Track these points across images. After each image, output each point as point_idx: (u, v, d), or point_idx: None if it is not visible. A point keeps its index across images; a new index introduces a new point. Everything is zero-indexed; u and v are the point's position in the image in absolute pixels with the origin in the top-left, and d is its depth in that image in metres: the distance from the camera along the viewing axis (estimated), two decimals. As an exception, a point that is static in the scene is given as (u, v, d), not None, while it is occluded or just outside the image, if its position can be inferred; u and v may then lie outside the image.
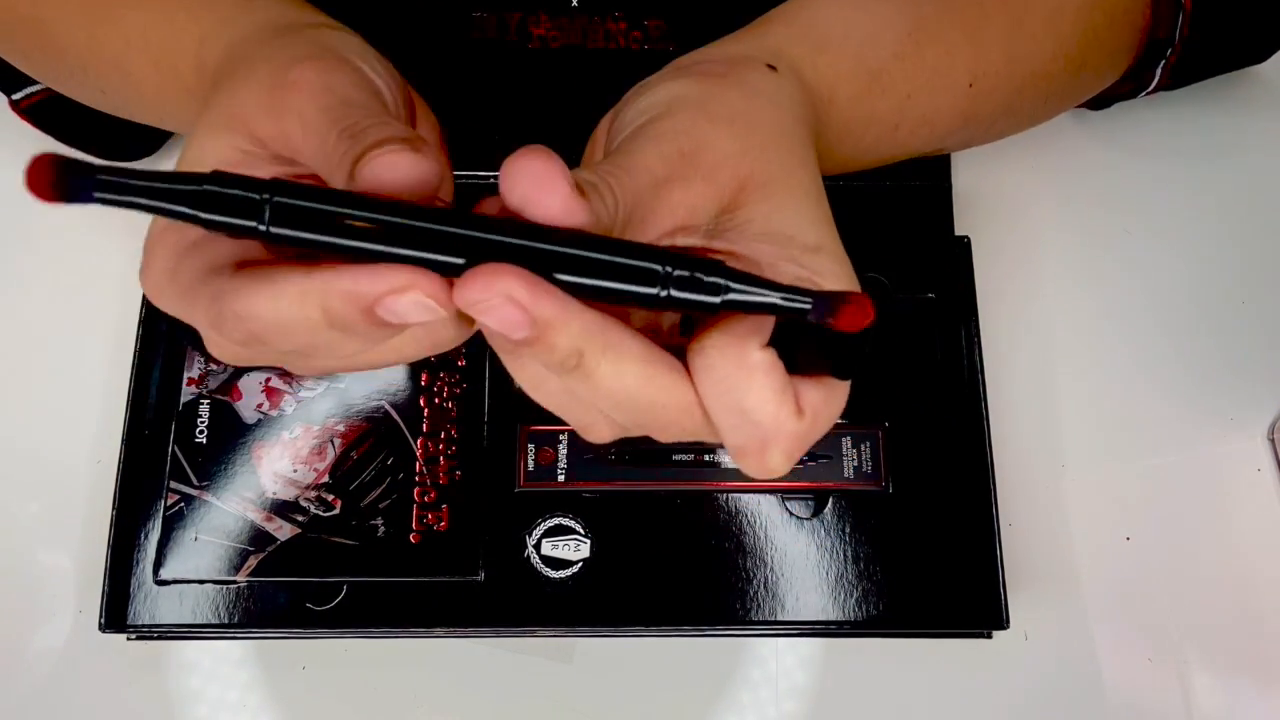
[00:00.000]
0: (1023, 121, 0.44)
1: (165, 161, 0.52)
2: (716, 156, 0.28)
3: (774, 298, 0.25)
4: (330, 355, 0.27)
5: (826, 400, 0.27)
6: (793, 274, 0.28)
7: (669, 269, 0.24)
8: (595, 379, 0.25)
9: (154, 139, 0.51)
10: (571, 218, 0.24)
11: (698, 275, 0.24)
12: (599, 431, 0.29)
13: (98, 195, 0.22)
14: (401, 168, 0.25)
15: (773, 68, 0.33)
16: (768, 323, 0.26)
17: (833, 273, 0.28)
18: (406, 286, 0.23)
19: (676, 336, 0.29)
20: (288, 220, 0.23)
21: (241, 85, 0.30)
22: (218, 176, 0.23)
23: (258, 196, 0.23)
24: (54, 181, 0.22)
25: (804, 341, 0.27)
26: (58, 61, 0.41)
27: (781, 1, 0.37)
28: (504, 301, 0.23)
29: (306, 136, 0.28)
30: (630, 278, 0.24)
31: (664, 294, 0.24)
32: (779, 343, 0.26)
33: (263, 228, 0.23)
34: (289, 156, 0.29)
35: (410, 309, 0.24)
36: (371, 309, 0.24)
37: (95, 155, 0.50)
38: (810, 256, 0.28)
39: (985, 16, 0.38)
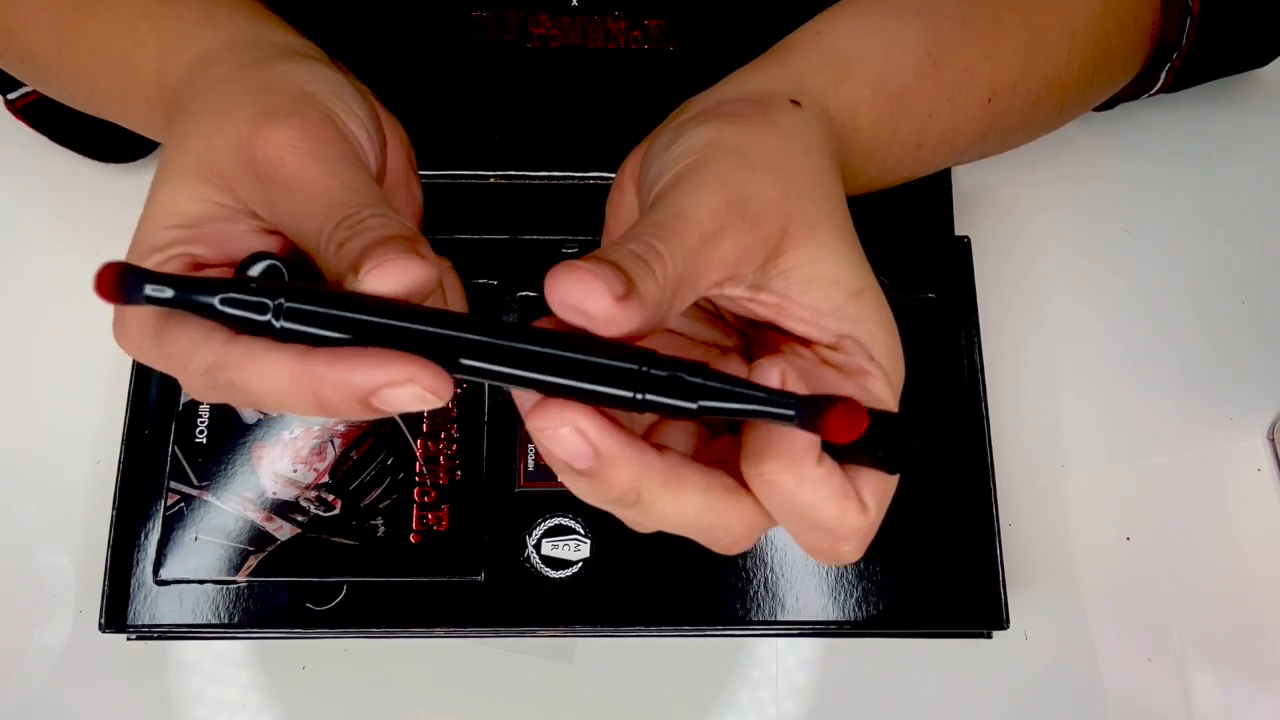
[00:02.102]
0: (1038, 131, 0.44)
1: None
2: (760, 205, 0.28)
3: (754, 405, 0.25)
4: (306, 413, 0.28)
5: (884, 485, 0.28)
6: (837, 330, 0.28)
7: (646, 369, 0.25)
8: (654, 513, 0.26)
9: (144, 143, 0.51)
10: (620, 327, 0.25)
11: (678, 375, 0.25)
12: (645, 529, 0.30)
13: (147, 294, 0.25)
14: (410, 274, 0.25)
15: (797, 103, 0.32)
16: (816, 438, 0.26)
17: (876, 319, 0.29)
18: (406, 380, 0.25)
19: (714, 440, 0.30)
20: (299, 320, 0.25)
21: (214, 135, 0.29)
22: (240, 284, 0.25)
23: (270, 301, 0.25)
24: (115, 283, 0.25)
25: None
26: (32, 68, 0.41)
27: (786, 14, 0.36)
28: (571, 432, 0.25)
29: (295, 213, 0.28)
30: (606, 379, 0.25)
31: (640, 397, 0.25)
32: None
33: (277, 324, 0.25)
34: (268, 220, 0.29)
35: (406, 400, 0.25)
36: (366, 399, 0.25)
37: (86, 156, 0.50)
38: (854, 304, 0.28)
39: (1002, 32, 0.38)
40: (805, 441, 0.26)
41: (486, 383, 0.30)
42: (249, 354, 0.26)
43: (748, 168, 0.29)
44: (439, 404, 0.25)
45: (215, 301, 0.25)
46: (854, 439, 0.24)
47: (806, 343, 0.29)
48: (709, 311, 0.33)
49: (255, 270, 0.28)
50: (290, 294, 0.25)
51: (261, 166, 0.28)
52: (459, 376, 0.25)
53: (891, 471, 0.27)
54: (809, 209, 0.29)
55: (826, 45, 0.35)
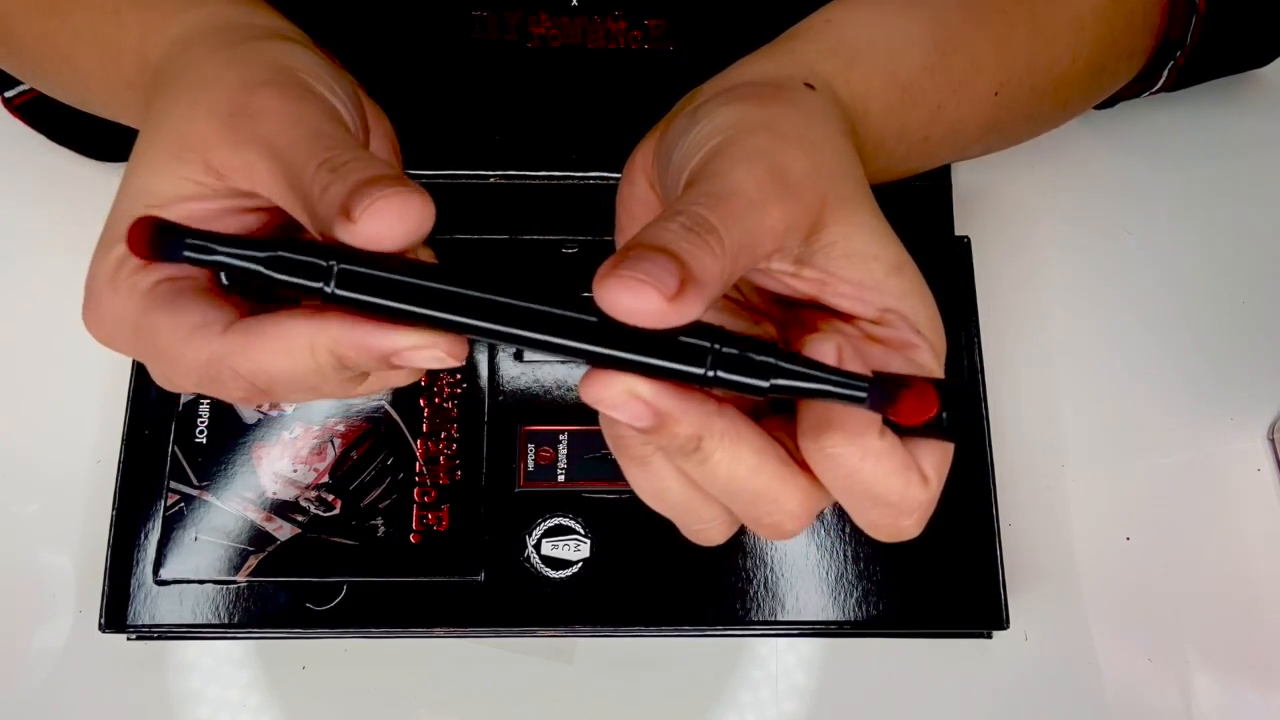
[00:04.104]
0: (1041, 126, 0.44)
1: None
2: (799, 176, 0.28)
3: (827, 385, 0.24)
4: (309, 393, 0.28)
5: (944, 456, 0.28)
6: (880, 304, 0.28)
7: (718, 346, 0.24)
8: (712, 464, 0.26)
9: None
10: (681, 320, 0.24)
11: (748, 355, 0.24)
12: (712, 534, 0.30)
13: (186, 255, 0.24)
14: (411, 209, 0.24)
15: (811, 87, 0.32)
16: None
17: (917, 293, 0.28)
18: (429, 345, 0.25)
19: (772, 413, 0.29)
20: (352, 285, 0.24)
21: (194, 110, 0.28)
22: (290, 243, 0.24)
23: (324, 263, 0.24)
24: (150, 240, 0.24)
25: None
26: (19, 59, 0.41)
27: (786, 13, 0.36)
28: (628, 398, 0.25)
29: (275, 169, 0.27)
30: (676, 355, 0.24)
31: (711, 374, 0.24)
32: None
33: (328, 289, 0.24)
34: (247, 190, 0.28)
35: (428, 360, 0.25)
36: (388, 358, 0.25)
37: (84, 155, 0.50)
38: (895, 278, 0.28)
39: (1009, 25, 0.38)
40: (868, 414, 0.25)
41: (552, 355, 0.29)
42: (256, 334, 0.25)
43: (781, 142, 0.28)
44: (456, 364, 0.26)
45: (262, 266, 0.24)
46: (924, 421, 0.24)
47: (848, 318, 0.29)
48: (736, 301, 0.32)
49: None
50: (344, 256, 0.24)
51: (240, 132, 0.27)
52: (522, 349, 0.25)
53: (953, 439, 0.27)
54: (841, 185, 0.29)
55: (835, 34, 0.35)
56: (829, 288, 0.28)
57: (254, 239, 0.25)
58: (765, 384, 0.24)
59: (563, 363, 0.45)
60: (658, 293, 0.23)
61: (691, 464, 0.26)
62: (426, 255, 0.29)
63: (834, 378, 0.24)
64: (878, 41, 0.35)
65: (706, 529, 0.29)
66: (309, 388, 0.27)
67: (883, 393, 0.24)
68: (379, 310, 0.24)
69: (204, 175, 0.28)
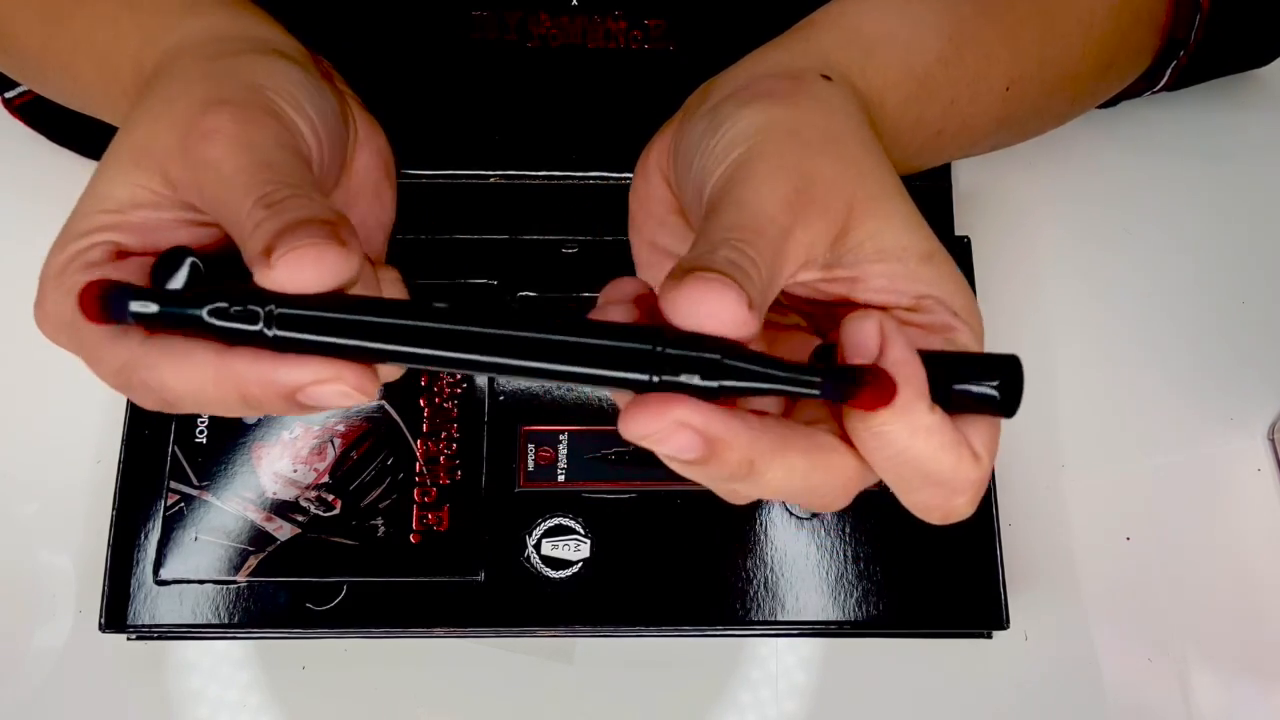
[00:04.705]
0: (1051, 122, 0.44)
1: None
2: (825, 187, 0.28)
3: (778, 384, 0.24)
4: (225, 412, 0.27)
5: (993, 434, 0.27)
6: (914, 292, 0.28)
7: (660, 349, 0.23)
8: (765, 480, 0.25)
9: None
10: (749, 334, 0.24)
11: (694, 355, 0.24)
12: (751, 498, 0.28)
13: (133, 311, 0.25)
14: (325, 263, 0.24)
15: (828, 78, 0.32)
16: (924, 385, 0.25)
17: (950, 277, 0.28)
18: (332, 379, 0.24)
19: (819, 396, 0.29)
20: (293, 327, 0.24)
21: (157, 121, 0.29)
22: (227, 294, 0.25)
23: (261, 310, 0.24)
24: (99, 303, 0.25)
25: (959, 382, 0.26)
26: (19, 64, 0.41)
27: (786, 13, 0.36)
28: (677, 428, 0.23)
29: (220, 195, 0.27)
30: (618, 362, 0.24)
31: (655, 379, 0.24)
32: (934, 386, 0.25)
33: (269, 333, 0.24)
34: (199, 206, 0.28)
35: (332, 397, 0.25)
36: (293, 395, 0.25)
37: (85, 156, 0.50)
38: (926, 267, 0.28)
39: (1020, 20, 0.38)
40: (914, 389, 0.25)
41: (496, 376, 0.29)
42: (166, 354, 0.25)
43: (805, 149, 0.28)
44: (367, 401, 0.25)
45: (203, 314, 0.24)
46: (884, 407, 0.23)
47: (881, 309, 0.28)
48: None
49: (181, 272, 0.27)
50: (280, 300, 0.24)
51: (191, 148, 0.28)
52: (469, 372, 0.25)
53: (1008, 414, 0.26)
54: (869, 182, 0.29)
55: (850, 25, 0.35)
56: (860, 284, 0.28)
57: (194, 293, 0.25)
58: (714, 385, 0.24)
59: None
60: (741, 300, 0.23)
61: (746, 485, 0.26)
62: (396, 291, 0.30)
63: (784, 374, 0.24)
64: (894, 32, 0.35)
65: (746, 499, 0.29)
66: (221, 410, 0.26)
67: (837, 385, 0.23)
68: (319, 349, 0.24)
69: (161, 186, 0.28)
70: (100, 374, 0.27)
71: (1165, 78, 0.46)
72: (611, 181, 0.47)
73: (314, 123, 0.30)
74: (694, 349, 0.24)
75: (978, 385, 0.26)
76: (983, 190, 0.52)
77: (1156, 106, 0.52)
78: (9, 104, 0.48)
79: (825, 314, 0.30)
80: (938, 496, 0.26)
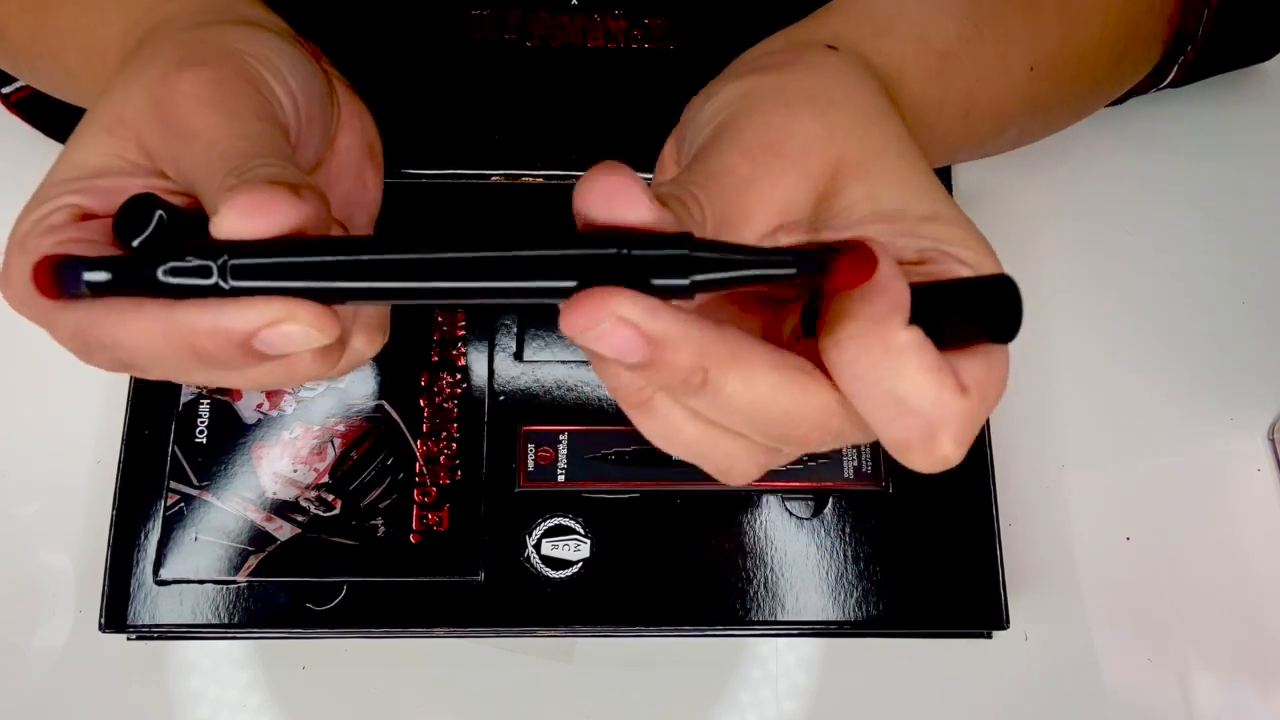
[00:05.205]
0: (1070, 114, 0.43)
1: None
2: (803, 142, 0.27)
3: (750, 269, 0.22)
4: (186, 375, 0.26)
5: (989, 370, 0.24)
6: (916, 247, 0.26)
7: (626, 251, 0.22)
8: (724, 395, 0.23)
9: None
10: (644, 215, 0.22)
11: (661, 253, 0.22)
12: (744, 467, 0.26)
13: (87, 282, 0.24)
14: (274, 210, 0.23)
15: (833, 49, 0.31)
16: (903, 297, 0.23)
17: (958, 237, 0.27)
18: (285, 318, 0.23)
19: (798, 342, 0.26)
20: (247, 276, 0.23)
21: (130, 86, 0.28)
22: (180, 250, 0.23)
23: (214, 263, 0.23)
24: (53, 278, 0.24)
25: (948, 311, 0.24)
26: (11, 57, 0.41)
27: (786, 13, 0.36)
28: (616, 324, 0.21)
29: (194, 164, 0.26)
30: (582, 271, 0.22)
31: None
32: (920, 319, 0.23)
33: (226, 285, 0.23)
34: (172, 176, 0.28)
35: (290, 338, 0.23)
36: (247, 344, 0.23)
37: None
38: (928, 227, 0.26)
39: (1038, 1, 0.38)
40: (891, 301, 0.23)
41: (462, 304, 0.28)
42: (116, 312, 0.24)
43: (786, 107, 0.27)
44: (326, 340, 0.23)
45: (158, 274, 0.23)
46: (866, 281, 0.22)
47: None
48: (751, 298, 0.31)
49: (146, 224, 0.25)
50: (234, 249, 0.23)
51: (166, 113, 0.27)
52: (434, 302, 0.24)
53: (1005, 338, 0.24)
54: (861, 142, 0.27)
55: (864, 6, 0.35)
56: None
57: (148, 254, 0.24)
58: (685, 282, 0.22)
59: (563, 363, 0.45)
60: (643, 193, 0.22)
61: (703, 401, 0.23)
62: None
63: (755, 257, 0.22)
64: (909, 11, 0.35)
65: (734, 466, 0.26)
66: (177, 370, 0.25)
67: (812, 262, 0.22)
68: (286, 294, 0.23)
69: (136, 155, 0.28)
70: (59, 340, 0.26)
71: (1173, 73, 0.46)
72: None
73: (294, 92, 0.30)
74: (662, 247, 0.22)
75: (968, 310, 0.24)
76: (983, 190, 0.52)
77: (1156, 105, 0.52)
78: (6, 100, 0.48)
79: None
80: (917, 429, 0.24)
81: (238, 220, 0.23)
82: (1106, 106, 0.50)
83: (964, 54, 0.35)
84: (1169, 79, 0.47)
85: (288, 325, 0.23)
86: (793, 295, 0.28)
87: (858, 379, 0.23)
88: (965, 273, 0.26)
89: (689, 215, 0.24)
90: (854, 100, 0.29)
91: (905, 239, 0.27)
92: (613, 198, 0.22)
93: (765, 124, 0.27)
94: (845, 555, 0.43)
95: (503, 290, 0.22)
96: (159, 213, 0.25)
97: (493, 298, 0.23)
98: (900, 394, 0.23)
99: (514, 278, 0.22)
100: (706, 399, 0.23)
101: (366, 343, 0.30)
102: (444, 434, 0.44)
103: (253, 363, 0.24)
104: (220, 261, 0.23)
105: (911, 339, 0.23)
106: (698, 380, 0.23)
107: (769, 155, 0.26)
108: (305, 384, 0.30)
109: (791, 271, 0.22)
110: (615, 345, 0.22)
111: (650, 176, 0.34)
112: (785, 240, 0.27)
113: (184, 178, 0.27)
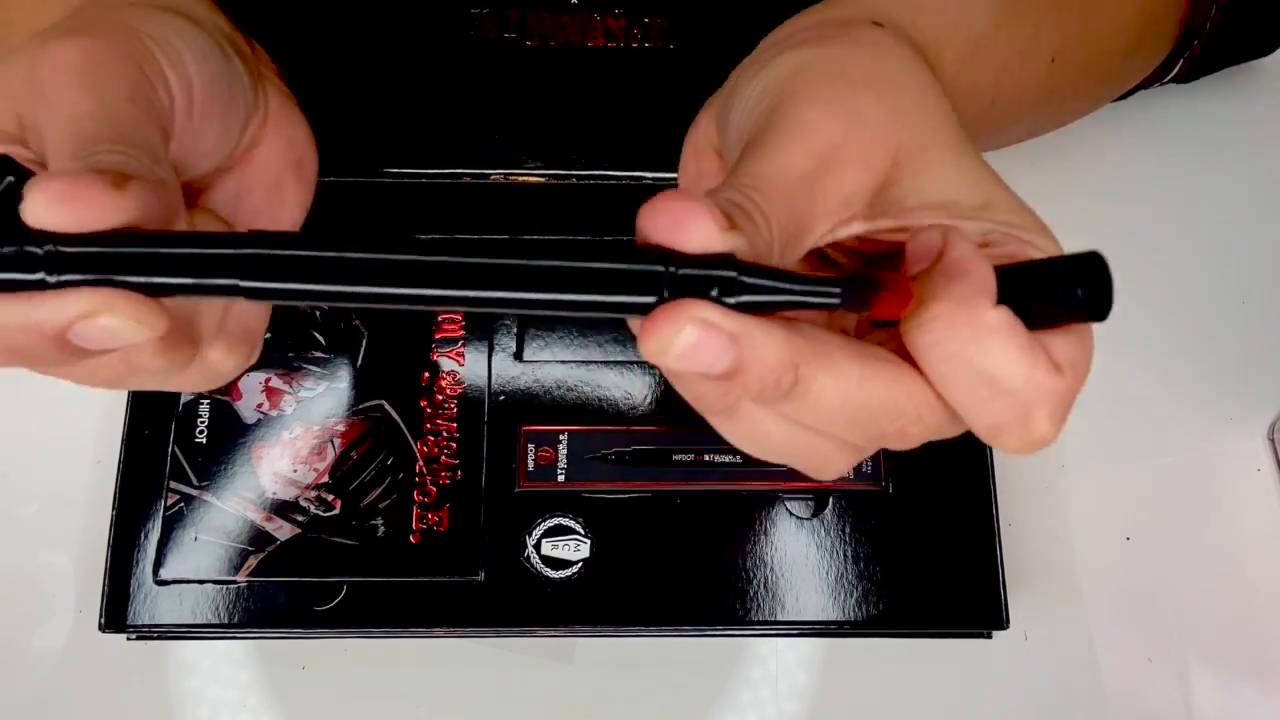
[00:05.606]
0: (1083, 105, 0.43)
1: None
2: (868, 131, 0.25)
3: (797, 296, 0.22)
4: (45, 372, 0.25)
5: (1080, 348, 0.24)
6: (978, 230, 0.25)
7: (672, 269, 0.21)
8: (814, 395, 0.22)
9: None
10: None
11: (708, 273, 0.21)
12: (835, 464, 0.26)
13: None
14: (81, 204, 0.21)
15: (879, 25, 0.30)
16: (988, 278, 0.23)
17: (1010, 217, 0.26)
18: (101, 310, 0.21)
19: (866, 335, 0.26)
20: (74, 268, 0.21)
21: (18, 57, 0.26)
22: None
23: (39, 250, 0.21)
24: None
25: (1033, 291, 0.23)
26: None
27: (787, 12, 0.36)
28: (703, 329, 0.20)
29: (49, 136, 0.24)
30: (622, 285, 0.21)
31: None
32: (1005, 299, 0.23)
33: (51, 279, 0.21)
34: (34, 144, 0.26)
35: (109, 331, 0.21)
36: (62, 337, 0.21)
37: None
38: (985, 213, 0.26)
39: None
40: (974, 284, 0.22)
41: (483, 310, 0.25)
42: None
43: (849, 87, 0.26)
44: (149, 334, 0.21)
45: None
46: (904, 312, 0.22)
47: None
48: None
49: None
50: (64, 238, 0.21)
51: (37, 83, 0.25)
52: (429, 308, 0.22)
53: (1098, 315, 0.24)
54: (919, 128, 0.26)
55: None
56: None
57: None
58: (732, 302, 0.21)
59: (563, 363, 0.45)
60: (709, 214, 0.21)
61: (794, 404, 0.22)
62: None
63: (802, 286, 0.22)
64: None
65: (826, 463, 0.25)
66: (22, 363, 0.23)
67: (857, 292, 0.21)
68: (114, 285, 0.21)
69: (12, 126, 0.26)
70: None
71: (1177, 68, 0.46)
72: (612, 181, 0.47)
73: (189, 81, 0.28)
74: (706, 268, 0.21)
75: (1057, 287, 0.23)
76: (983, 189, 0.52)
77: (1156, 102, 0.52)
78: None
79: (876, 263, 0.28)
80: (1012, 410, 0.23)
81: (46, 208, 0.21)
82: (1111, 101, 0.50)
83: (994, 41, 0.34)
84: (1173, 74, 0.47)
85: (104, 318, 0.21)
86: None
87: (947, 361, 0.22)
88: (1035, 254, 0.26)
89: (755, 228, 0.23)
90: (909, 82, 0.28)
91: (965, 222, 0.26)
92: (677, 222, 0.21)
93: (827, 110, 0.25)
94: (845, 555, 0.43)
95: (570, 303, 0.21)
96: (9, 178, 0.23)
97: (495, 307, 0.21)
98: (993, 374, 0.22)
99: (564, 290, 0.21)
100: (798, 402, 0.22)
101: (226, 354, 0.29)
102: (444, 434, 0.44)
103: (73, 358, 0.22)
104: (46, 250, 0.21)
105: (1001, 318, 0.22)
106: (789, 380, 0.22)
107: (833, 150, 0.25)
108: (156, 383, 0.29)
109: (836, 300, 0.22)
110: (702, 355, 0.21)
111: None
112: (843, 233, 0.26)
113: (39, 151, 0.25)
